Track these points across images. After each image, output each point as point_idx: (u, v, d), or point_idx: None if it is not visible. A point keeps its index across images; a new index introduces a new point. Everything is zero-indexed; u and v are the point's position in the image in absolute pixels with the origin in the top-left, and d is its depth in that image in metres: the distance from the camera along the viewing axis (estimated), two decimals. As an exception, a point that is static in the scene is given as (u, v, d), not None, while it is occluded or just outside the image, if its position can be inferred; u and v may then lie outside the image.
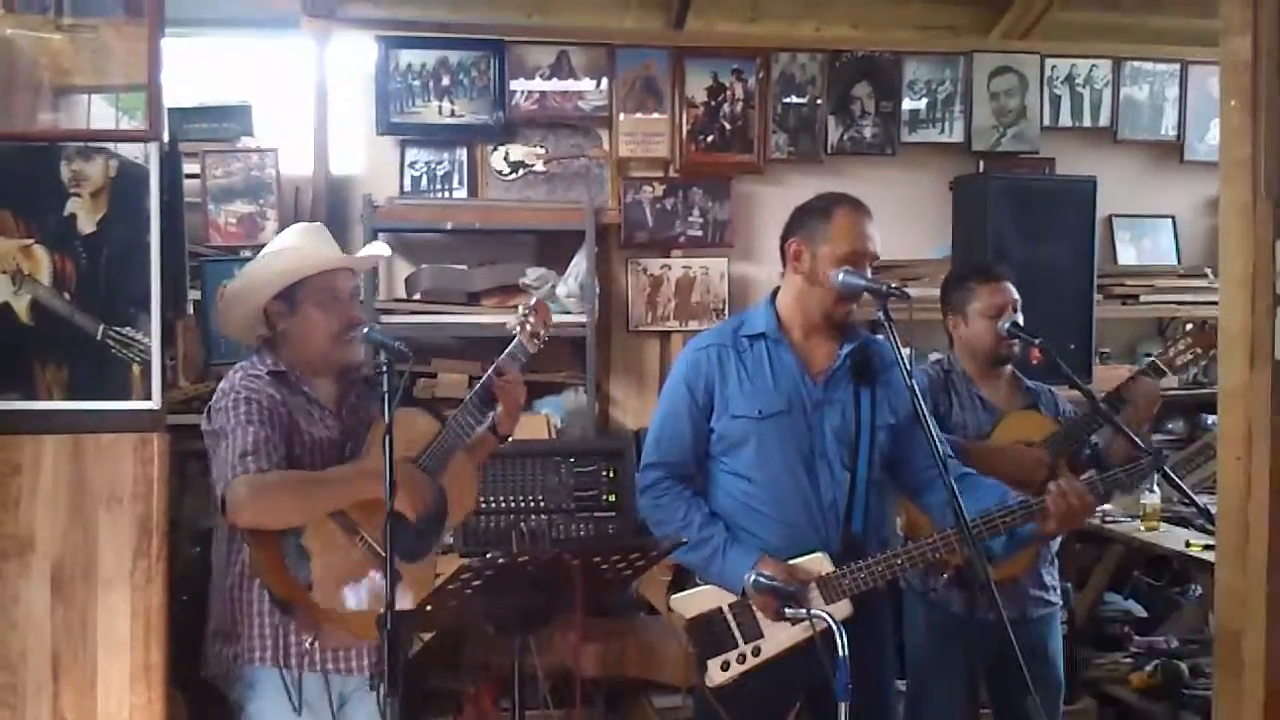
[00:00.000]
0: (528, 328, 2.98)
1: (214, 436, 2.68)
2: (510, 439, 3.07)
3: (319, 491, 2.69)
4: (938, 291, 4.48)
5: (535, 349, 3.01)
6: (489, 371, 2.92)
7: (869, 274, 2.81)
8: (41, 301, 2.71)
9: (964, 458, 3.05)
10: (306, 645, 2.69)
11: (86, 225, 2.72)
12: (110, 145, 2.76)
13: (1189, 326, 3.50)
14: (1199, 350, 3.38)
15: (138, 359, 2.72)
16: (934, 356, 3.75)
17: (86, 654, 2.69)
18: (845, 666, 2.33)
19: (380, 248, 3.19)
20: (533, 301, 3.06)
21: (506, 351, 2.96)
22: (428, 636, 3.81)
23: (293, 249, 2.85)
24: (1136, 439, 3.13)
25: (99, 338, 2.72)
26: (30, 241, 2.71)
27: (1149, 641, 4.82)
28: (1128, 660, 4.74)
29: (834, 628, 2.40)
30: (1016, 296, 3.46)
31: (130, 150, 2.77)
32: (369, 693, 2.84)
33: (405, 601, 2.64)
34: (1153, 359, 3.43)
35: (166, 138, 2.86)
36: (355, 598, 2.68)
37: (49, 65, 2.80)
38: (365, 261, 3.14)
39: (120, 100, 2.91)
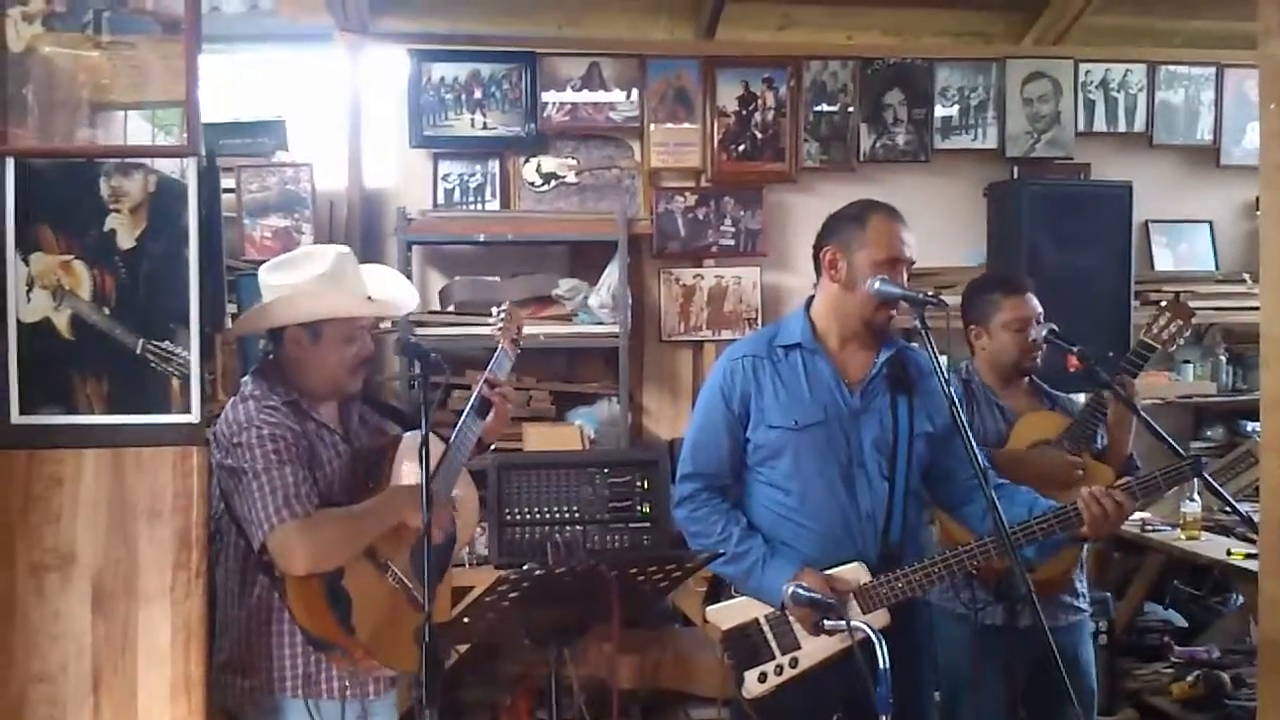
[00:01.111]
0: (510, 335, 3.00)
1: (235, 474, 2.64)
2: (493, 448, 3.08)
3: (360, 526, 2.68)
4: (971, 299, 4.47)
5: (516, 354, 3.03)
6: (479, 382, 2.92)
7: (905, 280, 2.80)
8: (81, 316, 2.73)
9: (995, 469, 3.03)
10: (345, 683, 2.70)
11: (126, 240, 2.74)
12: (148, 161, 2.78)
13: (1164, 303, 3.54)
14: (1180, 321, 3.42)
15: (177, 373, 2.74)
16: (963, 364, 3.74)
17: (127, 667, 2.69)
18: (887, 679, 2.32)
19: (410, 298, 3.16)
20: (504, 308, 3.06)
21: (493, 361, 2.96)
22: (463, 648, 3.82)
23: (325, 291, 2.80)
24: (1177, 447, 3.10)
25: (139, 352, 2.73)
26: (70, 257, 2.73)
27: (1190, 651, 4.77)
28: (1169, 670, 4.69)
29: (874, 639, 2.39)
30: (1039, 309, 3.44)
31: (168, 166, 2.79)
32: (388, 695, 2.86)
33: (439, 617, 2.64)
34: (1141, 339, 3.44)
35: (204, 153, 2.88)
36: (391, 631, 2.68)
37: (87, 82, 2.82)
38: (394, 311, 3.16)
39: (156, 116, 2.93)
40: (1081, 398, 3.56)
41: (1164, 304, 3.53)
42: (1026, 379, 3.51)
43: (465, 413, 2.88)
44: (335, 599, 2.61)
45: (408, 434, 2.86)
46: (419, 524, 2.65)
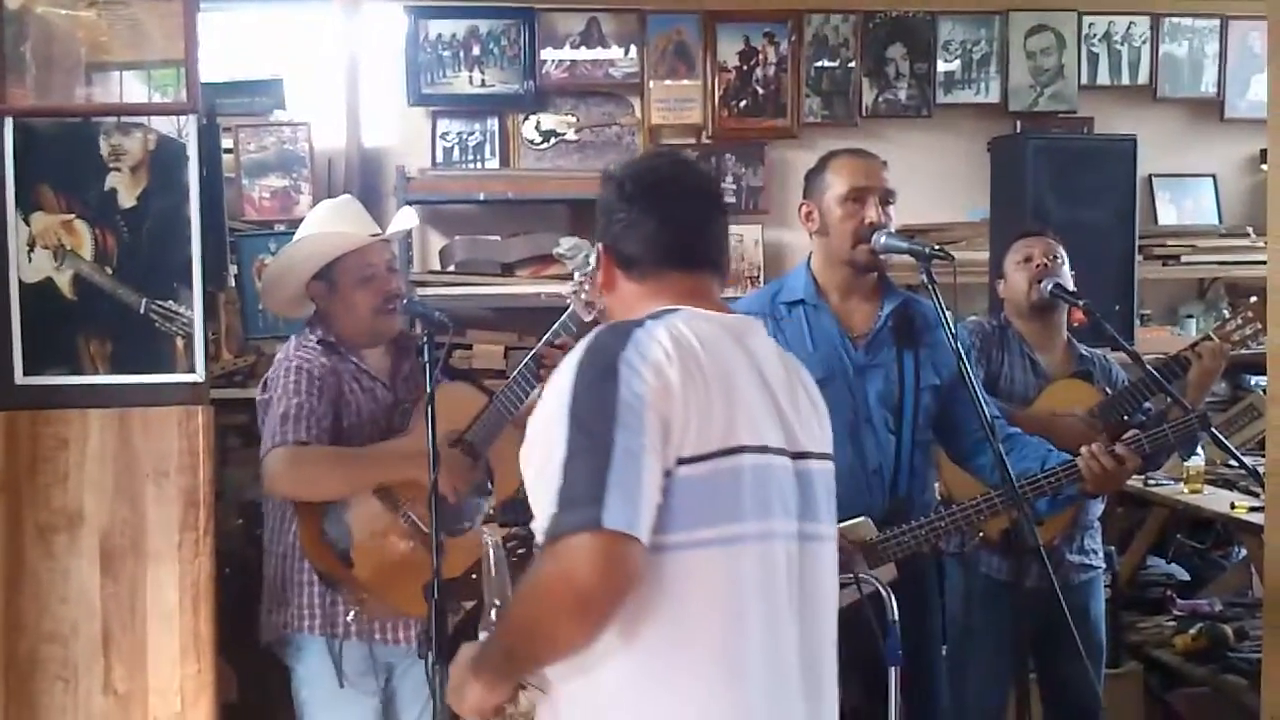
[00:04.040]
0: (582, 296, 2.96)
1: (264, 405, 2.74)
2: None
3: (355, 469, 2.72)
4: (975, 254, 4.45)
5: (591, 317, 2.99)
6: (542, 341, 2.91)
7: (882, 212, 2.78)
8: (84, 276, 2.72)
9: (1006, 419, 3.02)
10: (349, 620, 2.72)
11: (127, 199, 2.73)
12: (146, 120, 2.76)
13: (1253, 299, 3.41)
14: (1258, 325, 3.31)
15: (181, 332, 2.73)
16: (972, 319, 3.73)
17: (136, 627, 2.71)
18: (896, 631, 2.32)
19: (408, 218, 3.20)
20: (588, 269, 3.03)
21: (559, 321, 2.94)
22: (470, 605, 3.83)
23: (320, 233, 2.86)
24: (1182, 400, 3.10)
25: (142, 311, 2.73)
26: (71, 216, 2.72)
27: (1192, 604, 4.78)
28: (1171, 624, 4.70)
29: (882, 592, 2.39)
30: (1057, 249, 3.44)
31: (167, 125, 2.77)
32: (415, 661, 2.87)
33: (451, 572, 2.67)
34: (1209, 334, 3.40)
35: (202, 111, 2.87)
36: (398, 572, 2.70)
37: (85, 41, 2.80)
38: (393, 234, 3.14)
39: (153, 76, 2.91)
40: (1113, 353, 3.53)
41: (1253, 300, 3.39)
42: (1064, 336, 3.49)
43: (518, 371, 2.88)
44: (335, 532, 2.66)
45: (447, 384, 2.87)
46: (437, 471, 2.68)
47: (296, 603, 2.78)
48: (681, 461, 1.61)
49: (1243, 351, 4.96)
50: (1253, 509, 3.93)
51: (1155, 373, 3.22)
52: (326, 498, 2.69)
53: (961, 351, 2.58)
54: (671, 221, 1.82)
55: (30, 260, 2.71)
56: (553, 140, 5.01)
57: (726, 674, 1.63)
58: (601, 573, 1.50)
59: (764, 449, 1.70)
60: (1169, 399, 3.18)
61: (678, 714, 1.62)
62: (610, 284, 1.87)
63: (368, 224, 2.95)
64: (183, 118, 2.76)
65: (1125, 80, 5.27)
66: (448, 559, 2.66)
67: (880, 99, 5.12)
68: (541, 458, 1.61)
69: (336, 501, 2.69)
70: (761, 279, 4.95)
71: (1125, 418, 3.30)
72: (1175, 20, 5.30)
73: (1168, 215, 5.31)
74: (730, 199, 5.02)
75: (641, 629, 1.60)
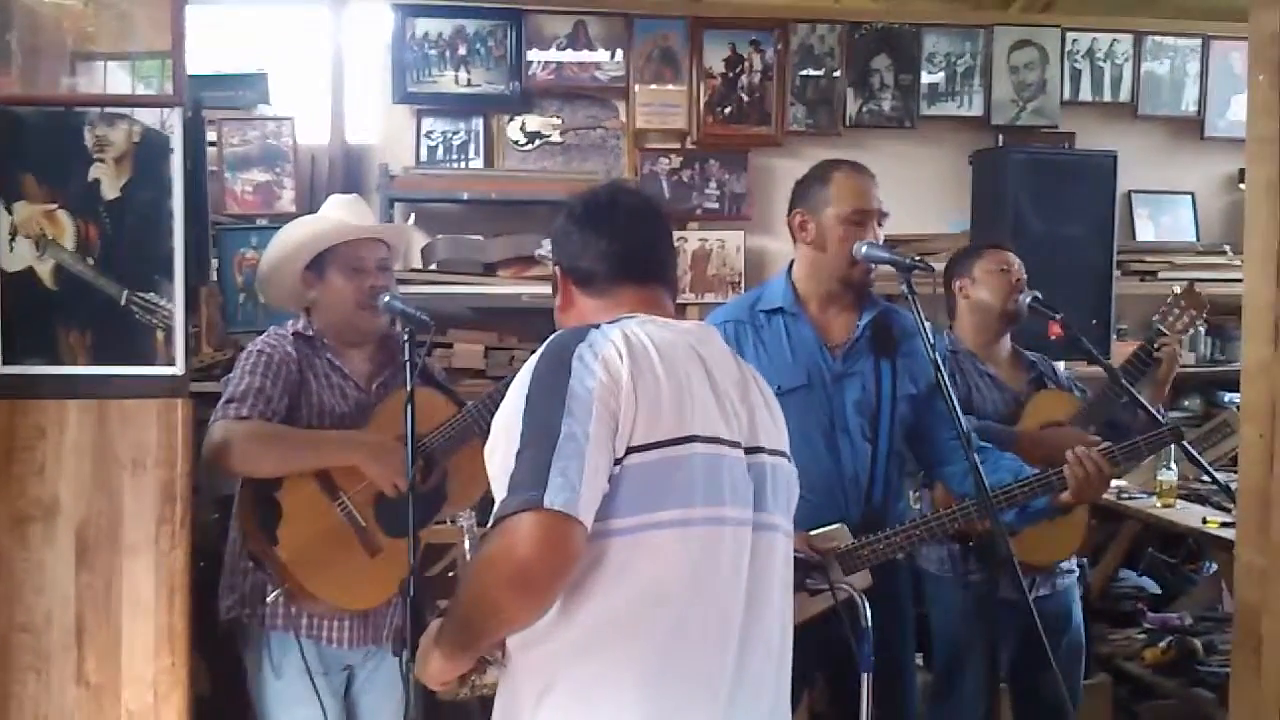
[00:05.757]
0: None
1: (225, 386, 2.79)
2: None
3: (295, 448, 2.74)
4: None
5: None
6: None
7: (878, 234, 2.81)
8: (65, 266, 2.71)
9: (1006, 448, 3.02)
10: (270, 600, 2.72)
11: (110, 190, 2.72)
12: (131, 111, 2.76)
13: (1177, 290, 3.52)
14: (1193, 311, 3.45)
15: (161, 325, 2.73)
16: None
17: (111, 619, 2.70)
18: (869, 637, 2.34)
19: (409, 230, 3.25)
20: None
21: None
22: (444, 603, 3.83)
23: (317, 219, 2.90)
24: (1154, 411, 3.13)
25: (123, 303, 2.72)
26: (54, 206, 2.71)
27: (1162, 618, 4.82)
28: (1141, 636, 4.74)
29: (856, 598, 2.41)
30: (1021, 265, 3.48)
31: (151, 117, 2.76)
32: (378, 666, 2.87)
33: (377, 581, 2.69)
34: (1158, 328, 3.48)
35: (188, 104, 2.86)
36: (323, 558, 2.70)
37: (71, 30, 2.79)
38: (388, 231, 3.14)
39: (137, 67, 2.90)
40: (1062, 364, 3.57)
41: (1177, 290, 3.48)
42: (1008, 344, 3.52)
43: (495, 389, 2.86)
44: (264, 507, 2.69)
45: (422, 388, 2.85)
46: (374, 475, 2.69)
47: (241, 590, 2.80)
48: (631, 450, 1.71)
49: (1217, 368, 5.07)
50: (1224, 524, 3.96)
51: (1131, 389, 3.25)
52: (263, 473, 2.71)
53: (939, 361, 2.60)
54: (620, 239, 1.96)
55: (12, 249, 2.70)
56: (537, 142, 5.01)
57: (663, 649, 1.72)
58: (540, 548, 1.60)
59: (716, 440, 1.79)
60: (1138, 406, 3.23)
61: (616, 688, 1.71)
62: (568, 303, 2.00)
63: (366, 221, 2.99)
64: (167, 110, 2.75)
65: (1107, 97, 5.32)
66: (390, 559, 2.66)
67: (864, 109, 5.15)
68: (502, 451, 1.71)
69: (272, 479, 2.70)
70: (743, 285, 4.97)
71: (1105, 422, 3.35)
72: (1158, 39, 5.36)
73: (1146, 231, 5.36)
74: (713, 205, 5.05)
75: (588, 606, 1.70)
